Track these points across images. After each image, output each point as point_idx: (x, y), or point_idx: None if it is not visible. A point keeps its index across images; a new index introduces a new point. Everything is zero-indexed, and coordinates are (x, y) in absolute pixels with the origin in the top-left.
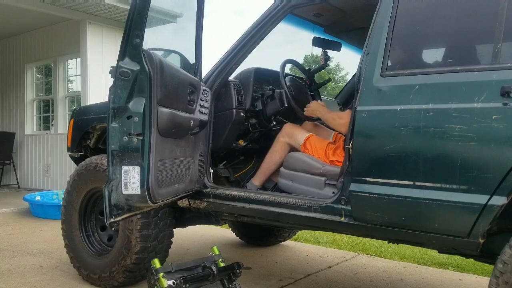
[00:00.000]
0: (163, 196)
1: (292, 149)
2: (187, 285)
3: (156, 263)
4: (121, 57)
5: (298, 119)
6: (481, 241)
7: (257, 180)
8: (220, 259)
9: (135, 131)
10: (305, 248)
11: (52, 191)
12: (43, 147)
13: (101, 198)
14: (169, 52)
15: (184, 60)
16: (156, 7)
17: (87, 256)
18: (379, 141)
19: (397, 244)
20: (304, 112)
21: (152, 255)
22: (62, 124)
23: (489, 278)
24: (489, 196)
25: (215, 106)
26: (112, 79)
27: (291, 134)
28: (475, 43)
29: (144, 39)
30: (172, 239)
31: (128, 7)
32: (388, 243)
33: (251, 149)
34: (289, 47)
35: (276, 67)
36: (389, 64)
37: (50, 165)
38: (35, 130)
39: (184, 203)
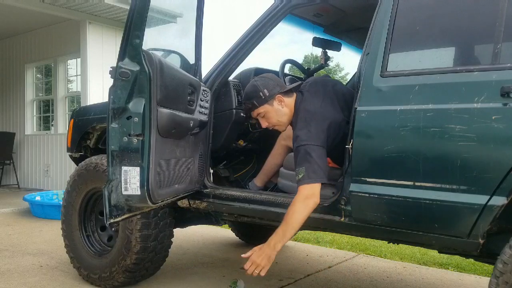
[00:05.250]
0: (163, 197)
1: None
2: None
3: None
4: (121, 57)
5: None
6: (481, 241)
7: (259, 180)
8: None
9: (135, 131)
10: (305, 248)
11: (52, 191)
12: (43, 147)
13: (101, 198)
14: (169, 52)
15: (184, 60)
16: (156, 7)
17: (87, 256)
18: (379, 141)
19: (397, 244)
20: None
21: (152, 255)
22: (62, 124)
23: (489, 278)
24: (489, 196)
25: (215, 106)
26: (112, 80)
27: (291, 136)
28: (475, 43)
29: (144, 39)
30: (172, 239)
31: (128, 7)
32: (388, 243)
33: (251, 149)
34: (290, 47)
35: (277, 67)
36: (389, 64)
37: (50, 165)
38: (35, 130)
39: (184, 203)
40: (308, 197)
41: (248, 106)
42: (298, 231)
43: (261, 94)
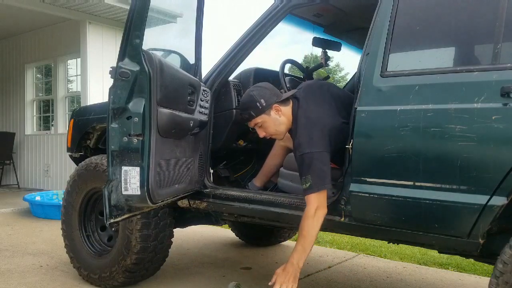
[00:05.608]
0: (163, 197)
1: (291, 151)
2: None
3: None
4: (121, 57)
5: None
6: (481, 241)
7: (258, 181)
8: None
9: (135, 131)
10: None
11: (52, 191)
12: (43, 147)
13: (101, 198)
14: (169, 52)
15: (184, 60)
16: (156, 7)
17: (87, 256)
18: (379, 141)
19: (397, 244)
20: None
21: (152, 255)
22: (62, 124)
23: (489, 278)
24: (489, 197)
25: (215, 106)
26: (112, 80)
27: (290, 136)
28: (475, 43)
29: (144, 39)
30: (172, 239)
31: (128, 7)
32: (388, 243)
33: (251, 149)
34: (290, 47)
35: (277, 67)
36: (389, 64)
37: (50, 165)
38: (35, 130)
39: (184, 203)
40: (318, 209)
41: (245, 116)
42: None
43: (258, 104)
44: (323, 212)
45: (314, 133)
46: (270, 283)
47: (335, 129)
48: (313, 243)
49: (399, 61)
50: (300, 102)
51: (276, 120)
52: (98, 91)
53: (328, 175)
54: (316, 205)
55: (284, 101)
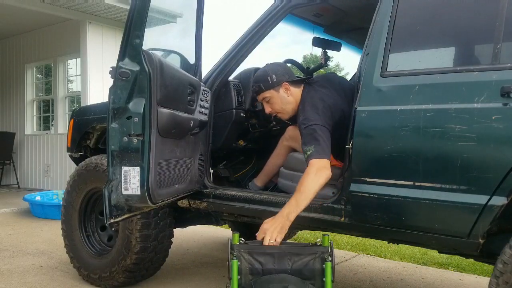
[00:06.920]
0: (163, 197)
1: (295, 151)
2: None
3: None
4: (121, 57)
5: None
6: (481, 241)
7: (259, 181)
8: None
9: (135, 131)
10: None
11: (52, 191)
12: (43, 147)
13: (101, 198)
14: (169, 52)
15: (184, 60)
16: (156, 7)
17: (87, 256)
18: (379, 141)
19: (397, 244)
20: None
21: (152, 255)
22: (62, 124)
23: (489, 278)
24: (489, 197)
25: (215, 106)
26: (112, 80)
27: (294, 136)
28: (475, 43)
29: (144, 39)
30: (172, 239)
31: (128, 7)
32: (388, 243)
33: (251, 149)
34: (290, 48)
35: None
36: (389, 64)
37: (50, 165)
38: (35, 130)
39: (184, 203)
40: (320, 169)
41: (255, 89)
42: (310, 202)
43: (268, 78)
44: (326, 173)
45: (320, 109)
46: (257, 234)
47: (341, 114)
48: (308, 200)
49: (399, 61)
50: (311, 87)
51: (283, 98)
52: (98, 91)
53: (329, 150)
54: (318, 166)
55: (295, 83)
